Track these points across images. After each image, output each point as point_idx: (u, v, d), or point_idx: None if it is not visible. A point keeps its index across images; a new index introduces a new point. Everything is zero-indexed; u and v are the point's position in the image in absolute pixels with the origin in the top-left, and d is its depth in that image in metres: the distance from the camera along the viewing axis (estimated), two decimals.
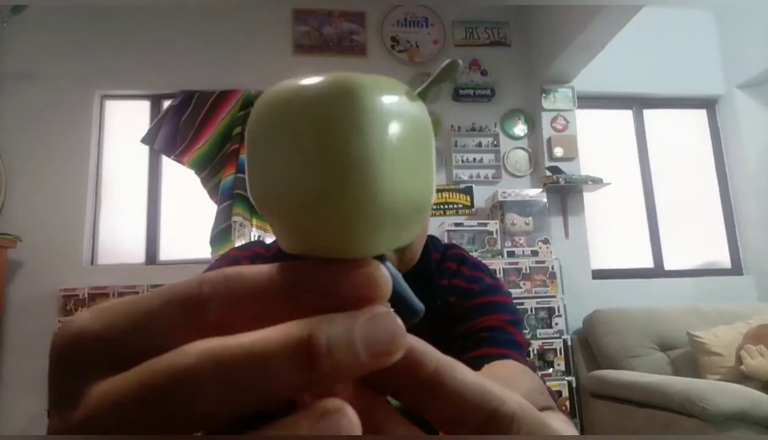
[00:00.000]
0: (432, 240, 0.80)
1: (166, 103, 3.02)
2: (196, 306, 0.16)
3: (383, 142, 0.16)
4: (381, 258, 0.18)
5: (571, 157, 3.14)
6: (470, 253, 0.83)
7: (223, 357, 0.14)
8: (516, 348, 0.66)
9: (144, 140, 2.95)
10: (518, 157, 3.22)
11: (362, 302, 0.16)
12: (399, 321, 0.16)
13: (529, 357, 2.52)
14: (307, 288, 0.16)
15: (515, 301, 0.81)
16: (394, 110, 0.16)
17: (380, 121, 0.16)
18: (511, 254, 2.82)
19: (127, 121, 3.08)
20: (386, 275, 0.16)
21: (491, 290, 0.74)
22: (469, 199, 3.09)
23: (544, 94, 3.18)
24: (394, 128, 0.16)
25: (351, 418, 0.15)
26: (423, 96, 0.19)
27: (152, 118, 3.04)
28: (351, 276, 0.16)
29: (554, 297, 2.71)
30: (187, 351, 0.14)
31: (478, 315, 0.69)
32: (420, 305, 0.19)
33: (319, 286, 0.16)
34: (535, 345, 2.62)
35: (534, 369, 0.70)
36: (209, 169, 2.92)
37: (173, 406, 0.14)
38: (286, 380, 0.14)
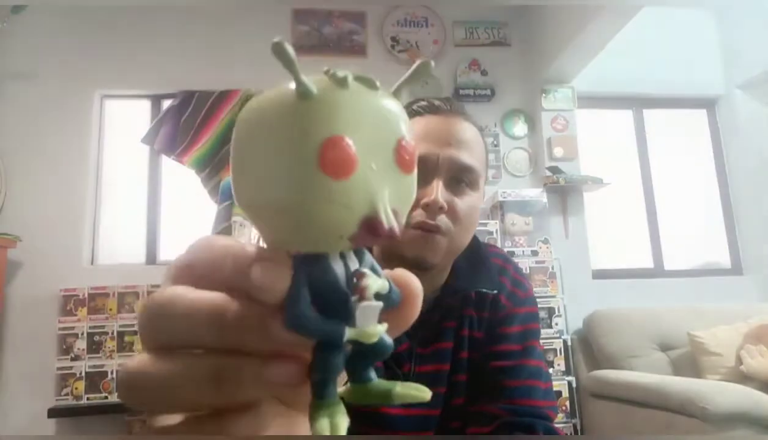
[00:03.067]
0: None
1: (166, 103, 3.02)
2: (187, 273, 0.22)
3: (234, 153, 0.20)
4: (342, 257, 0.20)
5: (571, 157, 3.14)
6: None
7: (172, 299, 0.20)
8: (540, 376, 0.77)
9: (144, 140, 2.95)
10: (518, 157, 3.22)
11: (261, 291, 0.18)
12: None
13: None
14: (229, 270, 0.20)
15: None
16: (238, 124, 0.20)
17: (236, 137, 0.20)
18: (511, 254, 2.82)
19: (127, 121, 3.08)
20: (276, 274, 0.18)
21: (529, 300, 0.82)
22: None
23: (544, 94, 3.18)
24: (237, 143, 0.20)
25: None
26: (397, 96, 0.20)
27: (152, 118, 3.03)
28: (254, 265, 0.18)
29: (554, 297, 2.71)
30: (162, 291, 0.21)
31: (520, 321, 0.79)
32: (293, 317, 0.19)
33: (235, 271, 0.19)
34: None
35: (546, 368, 0.80)
36: (209, 168, 2.93)
37: (154, 322, 0.21)
38: (200, 331, 0.19)
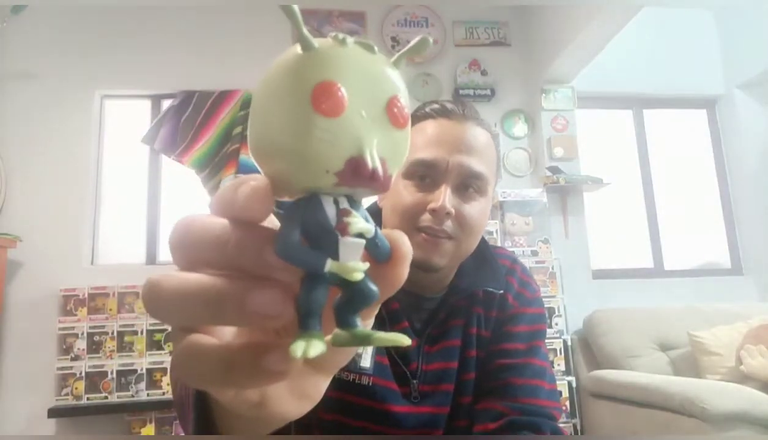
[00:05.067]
0: None
1: (166, 103, 3.02)
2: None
3: (252, 104, 0.22)
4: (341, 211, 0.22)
5: (571, 157, 3.14)
6: None
7: (192, 221, 0.23)
8: (544, 376, 0.78)
9: (144, 140, 2.95)
10: (518, 157, 3.22)
11: (243, 209, 0.21)
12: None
13: None
14: (229, 199, 0.22)
15: None
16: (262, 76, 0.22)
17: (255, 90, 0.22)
18: None
19: (127, 121, 3.08)
20: (248, 192, 0.21)
21: (536, 301, 0.83)
22: None
23: (544, 94, 3.18)
24: (253, 94, 0.22)
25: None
26: (396, 65, 0.23)
27: (152, 118, 3.03)
28: (238, 189, 0.21)
29: (554, 297, 2.71)
30: (187, 215, 0.24)
31: (527, 321, 0.80)
32: (279, 245, 0.21)
33: (231, 199, 0.22)
34: None
35: (551, 370, 0.81)
36: (209, 168, 2.93)
37: (177, 240, 0.24)
38: (209, 250, 0.22)
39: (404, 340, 0.22)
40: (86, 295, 2.62)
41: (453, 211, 0.69)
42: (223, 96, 2.97)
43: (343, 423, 0.71)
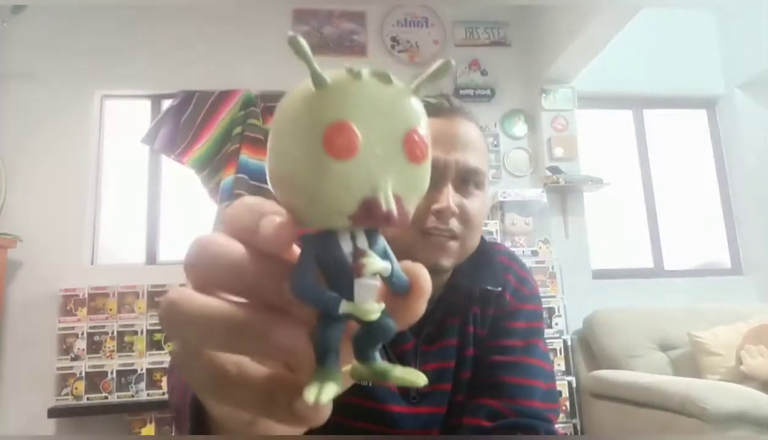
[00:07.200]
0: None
1: (166, 103, 3.02)
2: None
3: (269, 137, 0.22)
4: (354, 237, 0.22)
5: (571, 157, 3.14)
6: None
7: (210, 243, 0.22)
8: (539, 375, 0.77)
9: (144, 140, 2.95)
10: (518, 157, 3.22)
11: (265, 240, 0.21)
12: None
13: None
14: (247, 223, 0.22)
15: None
16: (276, 111, 0.22)
17: (272, 123, 0.22)
18: None
19: (127, 121, 3.08)
20: (272, 231, 0.21)
21: (534, 297, 0.83)
22: None
23: (544, 94, 3.18)
24: (271, 128, 0.22)
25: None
26: (416, 92, 0.22)
27: (152, 118, 3.03)
28: (262, 219, 0.21)
29: (554, 297, 2.71)
30: (206, 234, 0.23)
31: (524, 318, 0.79)
32: (294, 285, 0.21)
33: (251, 225, 0.22)
34: None
35: (550, 368, 0.81)
36: (209, 168, 2.93)
37: (193, 260, 0.23)
38: (227, 276, 0.22)
39: (420, 380, 0.22)
40: (86, 295, 2.62)
41: (457, 210, 0.69)
42: (223, 96, 2.97)
43: (343, 425, 0.71)
